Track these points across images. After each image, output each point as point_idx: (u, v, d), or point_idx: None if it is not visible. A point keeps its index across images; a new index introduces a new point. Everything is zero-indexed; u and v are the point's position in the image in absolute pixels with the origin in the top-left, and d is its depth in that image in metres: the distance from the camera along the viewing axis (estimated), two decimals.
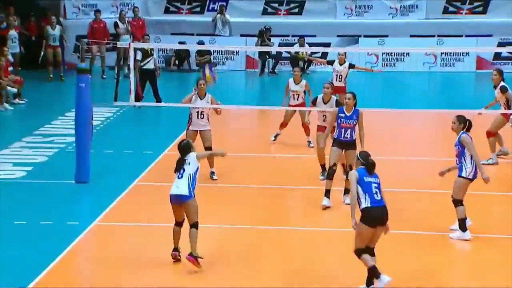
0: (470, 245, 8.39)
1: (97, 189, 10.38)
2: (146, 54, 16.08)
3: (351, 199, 7.06)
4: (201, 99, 10.58)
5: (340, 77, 13.87)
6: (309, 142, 12.57)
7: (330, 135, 9.84)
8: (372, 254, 6.97)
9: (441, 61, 21.14)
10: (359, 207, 6.98)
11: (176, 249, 7.76)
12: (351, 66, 14.02)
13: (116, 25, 20.06)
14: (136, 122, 15.23)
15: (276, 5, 22.18)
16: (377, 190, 6.96)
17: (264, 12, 22.10)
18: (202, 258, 7.58)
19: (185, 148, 7.85)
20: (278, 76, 21.07)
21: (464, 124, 8.58)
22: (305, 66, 21.41)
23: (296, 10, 22.09)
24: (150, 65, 16.21)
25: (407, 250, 8.22)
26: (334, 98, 10.63)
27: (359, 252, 6.93)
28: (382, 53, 21.00)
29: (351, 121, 9.54)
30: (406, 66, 20.96)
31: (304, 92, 12.49)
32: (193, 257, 7.52)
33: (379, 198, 6.96)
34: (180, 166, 7.76)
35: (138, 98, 14.97)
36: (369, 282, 6.97)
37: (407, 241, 8.50)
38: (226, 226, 9.04)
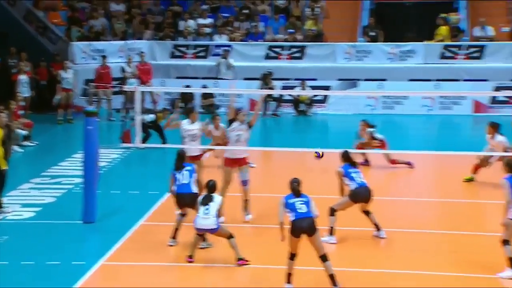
0: None
1: (104, 229, 10.61)
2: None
3: (279, 214, 8.38)
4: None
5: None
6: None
7: None
8: (324, 260, 8.18)
9: (439, 104, 21.55)
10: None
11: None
12: (371, 127, 14.49)
13: (123, 69, 20.64)
14: (142, 163, 15.55)
15: (278, 50, 22.74)
16: (302, 205, 8.25)
17: (267, 57, 22.65)
18: (248, 261, 9.01)
19: (212, 188, 9.19)
20: (280, 118, 21.52)
21: None
22: (307, 108, 21.88)
23: (298, 54, 22.62)
24: (149, 118, 16.64)
25: None
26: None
27: (289, 256, 8.23)
28: (381, 96, 21.41)
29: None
30: (404, 108, 21.39)
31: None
32: (242, 260, 9.03)
33: (304, 211, 8.21)
34: (207, 202, 9.00)
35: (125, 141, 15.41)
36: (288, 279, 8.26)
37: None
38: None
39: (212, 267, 9.13)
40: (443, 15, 22.54)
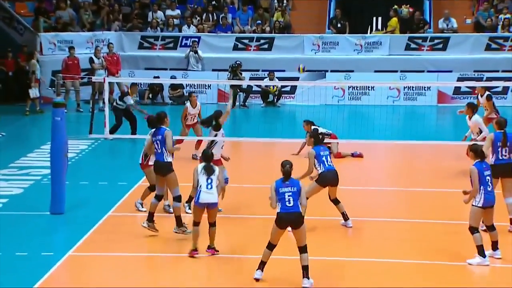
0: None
1: (72, 220, 10.62)
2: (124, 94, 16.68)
3: (270, 199, 8.28)
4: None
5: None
6: (195, 155, 14.10)
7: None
8: (303, 251, 8.15)
9: (404, 95, 21.90)
10: None
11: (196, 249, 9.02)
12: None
13: (91, 60, 20.57)
14: (110, 154, 15.56)
15: (246, 41, 22.86)
16: (290, 197, 8.12)
17: (235, 48, 22.74)
18: (218, 251, 9.03)
19: (210, 157, 9.09)
20: (249, 109, 21.67)
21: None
22: (275, 99, 22.07)
23: (266, 46, 22.76)
24: (129, 101, 16.62)
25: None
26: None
27: (267, 246, 8.26)
28: (348, 87, 21.70)
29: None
30: (371, 99, 21.64)
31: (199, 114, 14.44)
32: (212, 249, 9.04)
33: (291, 204, 8.12)
34: (210, 173, 8.86)
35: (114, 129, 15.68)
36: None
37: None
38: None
39: (182, 257, 9.16)
40: (395, 7, 22.96)
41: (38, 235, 10.06)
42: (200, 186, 8.88)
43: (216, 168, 9.06)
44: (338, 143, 14.49)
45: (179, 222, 9.62)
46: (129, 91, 16.78)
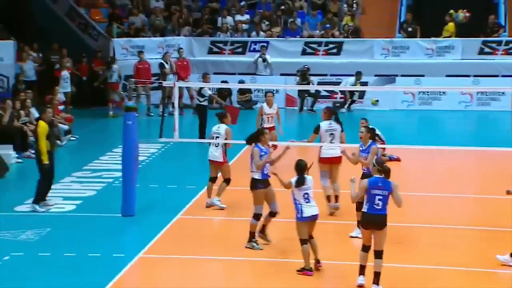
0: None
1: (142, 223, 10.80)
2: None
3: (355, 194, 8.25)
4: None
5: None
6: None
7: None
8: (378, 256, 8.06)
9: (477, 100, 21.33)
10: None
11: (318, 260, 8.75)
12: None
13: (162, 65, 20.95)
14: (180, 157, 15.79)
15: (315, 45, 22.78)
16: (380, 201, 8.06)
17: (303, 53, 22.70)
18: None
19: (305, 168, 8.70)
20: (317, 114, 21.55)
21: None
22: (350, 105, 21.83)
23: (335, 50, 22.60)
24: (207, 93, 16.90)
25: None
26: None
27: (362, 248, 8.18)
28: (419, 92, 21.31)
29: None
30: (442, 104, 21.22)
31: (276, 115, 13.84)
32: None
33: (379, 207, 8.07)
34: (301, 184, 8.62)
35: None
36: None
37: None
38: None
39: (255, 261, 9.15)
40: (450, 11, 22.37)
41: (110, 236, 10.26)
42: (299, 202, 8.59)
43: (308, 178, 8.70)
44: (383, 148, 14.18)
45: (251, 237, 9.51)
46: (203, 81, 17.02)
